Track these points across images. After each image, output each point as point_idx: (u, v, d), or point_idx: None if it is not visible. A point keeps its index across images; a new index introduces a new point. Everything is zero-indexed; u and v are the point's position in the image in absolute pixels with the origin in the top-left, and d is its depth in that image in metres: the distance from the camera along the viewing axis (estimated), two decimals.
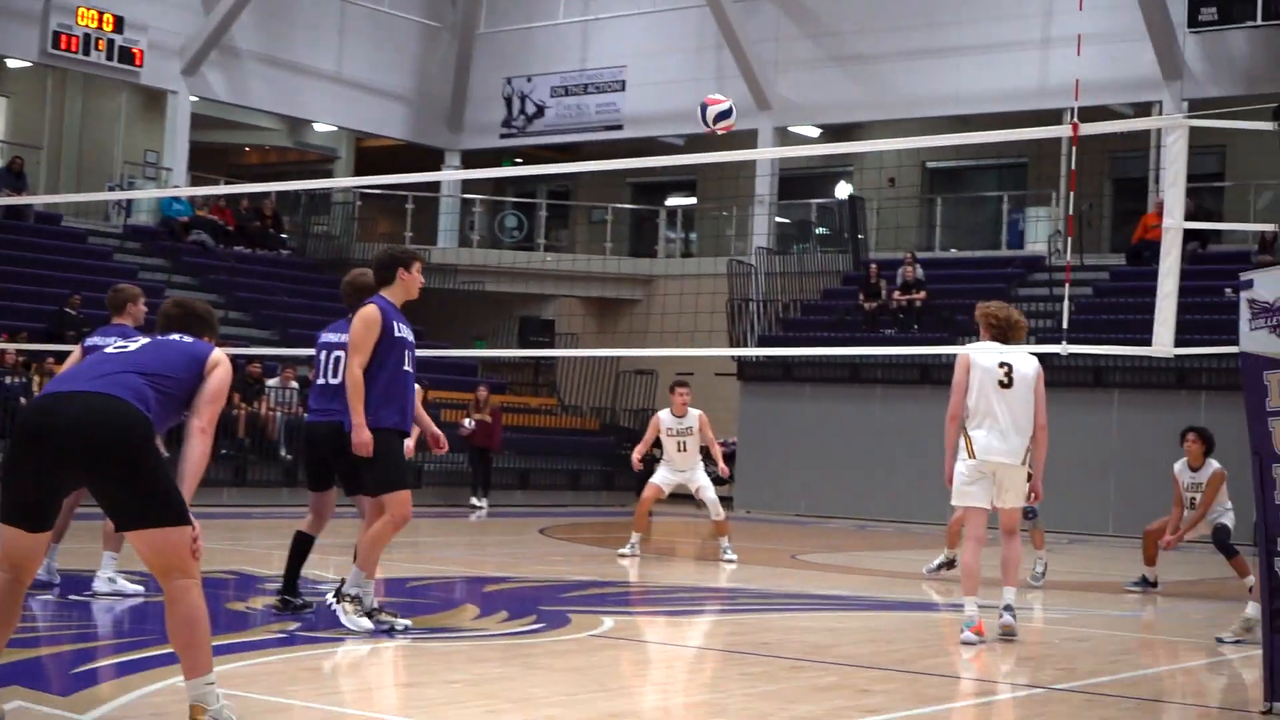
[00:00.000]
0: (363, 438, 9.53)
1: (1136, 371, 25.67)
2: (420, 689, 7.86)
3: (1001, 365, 10.82)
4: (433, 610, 11.39)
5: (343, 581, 9.85)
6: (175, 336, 6.59)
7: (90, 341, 11.21)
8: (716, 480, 28.22)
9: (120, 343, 6.55)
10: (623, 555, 16.70)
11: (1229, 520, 14.88)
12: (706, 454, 17.33)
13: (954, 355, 26.41)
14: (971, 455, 10.71)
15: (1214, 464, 14.88)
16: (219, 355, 6.47)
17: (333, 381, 10.27)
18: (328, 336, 10.45)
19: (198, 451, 6.30)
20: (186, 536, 6.12)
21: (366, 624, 9.59)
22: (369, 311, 9.62)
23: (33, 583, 10.71)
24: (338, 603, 9.72)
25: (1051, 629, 11.93)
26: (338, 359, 10.27)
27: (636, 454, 17.61)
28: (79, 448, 5.99)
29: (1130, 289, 27.08)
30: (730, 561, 16.68)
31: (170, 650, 8.36)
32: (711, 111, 10.74)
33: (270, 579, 12.82)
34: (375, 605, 9.80)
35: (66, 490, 6.24)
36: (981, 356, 10.93)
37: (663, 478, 17.05)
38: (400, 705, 7.34)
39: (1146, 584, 15.31)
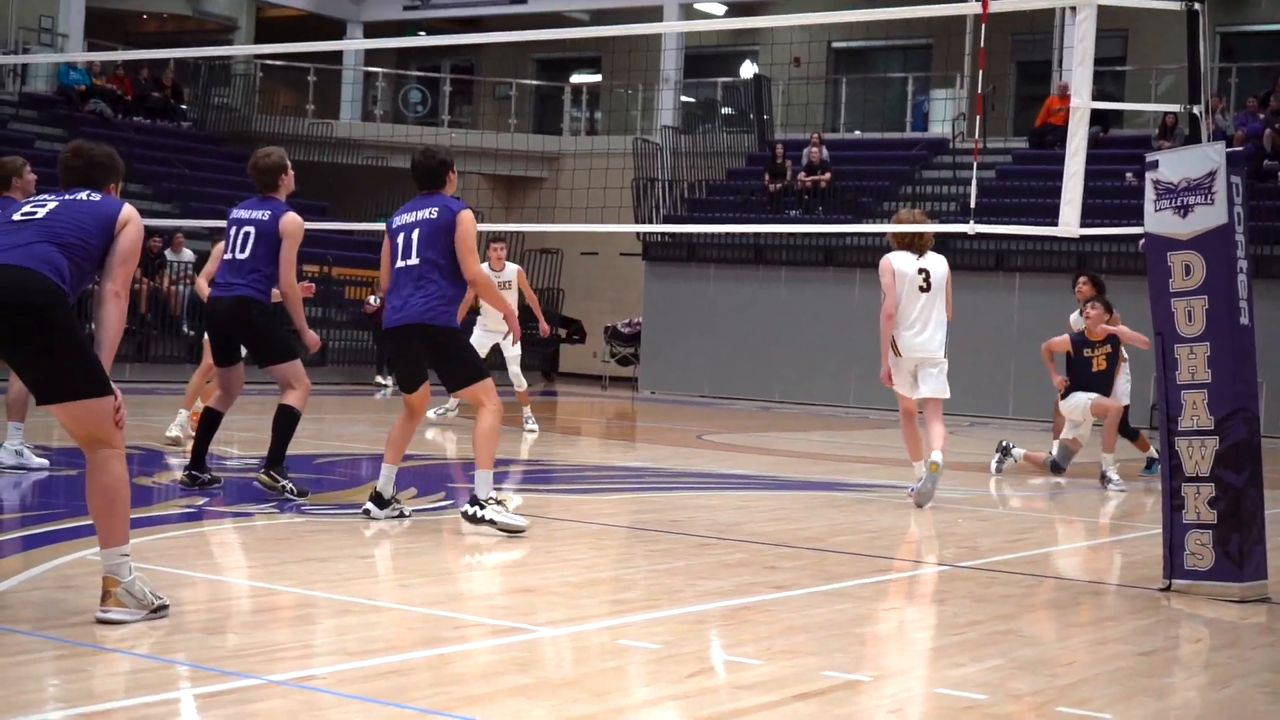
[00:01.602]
0: (515, 325, 10.16)
1: (1038, 255, 25.89)
2: (331, 563, 7.86)
3: (920, 271, 11.95)
4: (341, 487, 11.37)
5: (473, 497, 9.20)
6: (83, 195, 6.35)
7: None
8: (624, 362, 28.22)
9: (28, 208, 6.32)
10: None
11: (1126, 396, 15.04)
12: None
13: (858, 236, 26.56)
14: (897, 354, 11.87)
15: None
16: (128, 213, 6.31)
17: (240, 257, 10.21)
18: (239, 213, 10.40)
19: (114, 316, 6.19)
20: (108, 406, 6.08)
21: (521, 521, 9.16)
22: (470, 215, 9.29)
23: None
24: (481, 510, 9.12)
25: (954, 509, 12.08)
26: (247, 234, 10.21)
27: (460, 312, 17.58)
28: None
29: (1033, 172, 27.24)
30: (531, 431, 16.93)
31: (79, 524, 8.32)
32: None
33: (175, 454, 12.76)
34: (394, 494, 9.68)
35: None
36: (901, 262, 11.97)
37: (479, 338, 16.73)
38: (312, 579, 7.34)
39: (1057, 469, 15.32)
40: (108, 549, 6.09)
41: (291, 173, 10.54)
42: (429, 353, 9.38)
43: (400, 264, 9.33)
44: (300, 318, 10.44)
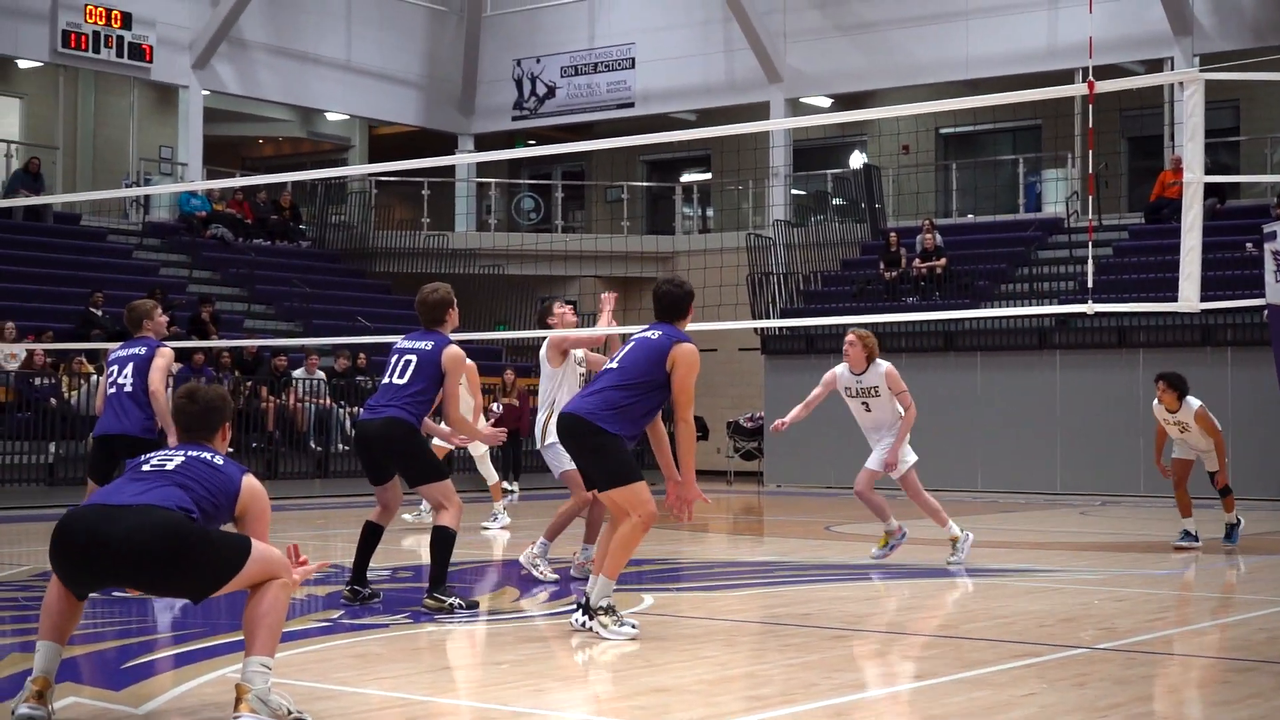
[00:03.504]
0: (690, 494, 9.25)
1: (1161, 330, 25.60)
2: (466, 671, 7.92)
3: None
4: (472, 595, 11.42)
5: (587, 599, 9.14)
6: (207, 456, 6.58)
7: (114, 356, 11.34)
8: (748, 456, 27.95)
9: (157, 460, 6.54)
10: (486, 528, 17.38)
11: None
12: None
13: (977, 320, 26.32)
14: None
15: (1194, 402, 14.91)
16: (248, 491, 6.53)
17: (397, 382, 10.30)
18: (403, 344, 10.53)
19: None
20: (259, 559, 6.31)
21: (630, 630, 9.02)
22: (695, 355, 9.16)
23: None
24: (590, 619, 9.05)
25: (1089, 589, 11.95)
26: (408, 362, 10.34)
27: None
28: (130, 564, 6.15)
29: (1151, 247, 27.00)
30: (490, 528, 17.53)
31: (216, 643, 8.45)
32: None
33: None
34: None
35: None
36: None
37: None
38: (447, 688, 7.40)
39: (1190, 537, 15.21)
40: (249, 657, 6.22)
41: (456, 309, 10.66)
42: (575, 449, 9.24)
43: (605, 365, 9.42)
44: (474, 433, 10.84)
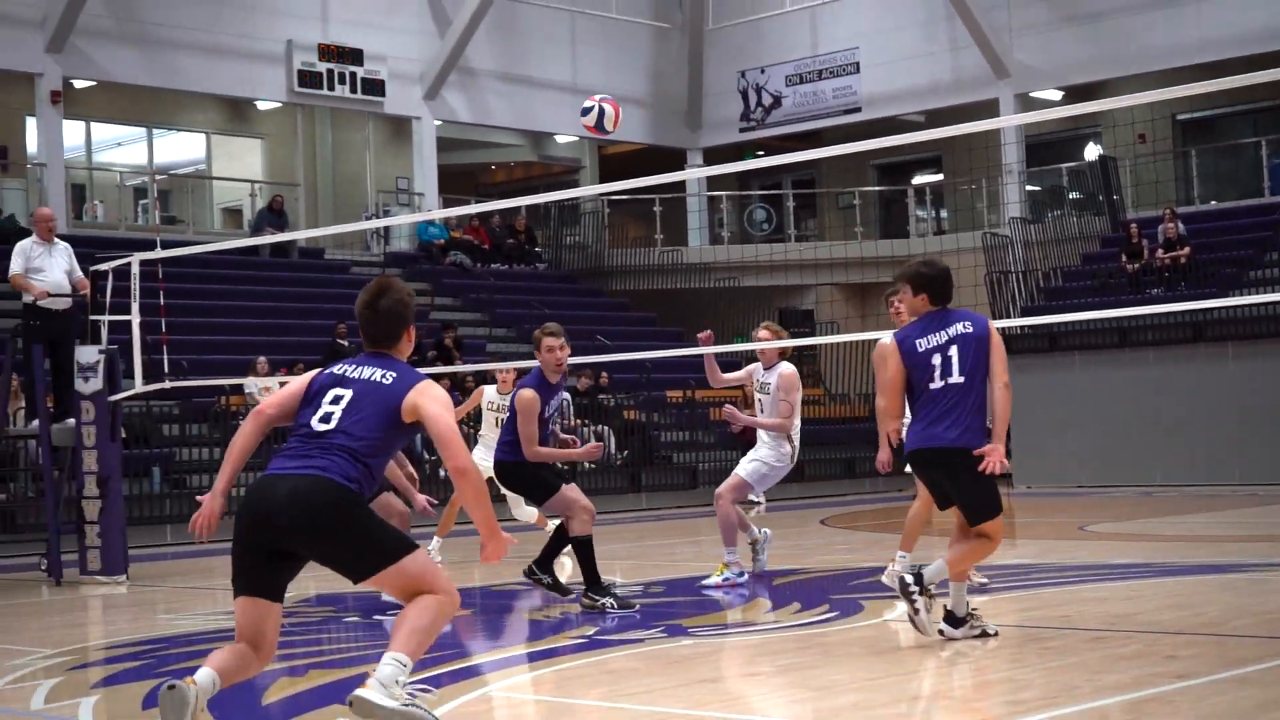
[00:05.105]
0: (996, 452, 8.61)
1: None
2: (722, 683, 7.91)
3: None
4: (725, 607, 11.44)
5: (919, 580, 8.99)
6: (379, 375, 6.44)
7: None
8: None
9: (328, 405, 6.41)
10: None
11: None
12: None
13: (1226, 309, 25.59)
14: None
15: None
16: (415, 396, 6.35)
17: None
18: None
19: (468, 498, 6.30)
20: (419, 560, 6.24)
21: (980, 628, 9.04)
22: (993, 325, 8.86)
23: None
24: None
25: None
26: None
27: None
28: (291, 532, 6.16)
29: None
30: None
31: (473, 663, 8.56)
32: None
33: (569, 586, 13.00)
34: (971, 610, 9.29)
35: (294, 565, 6.38)
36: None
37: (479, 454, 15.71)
38: (705, 699, 7.39)
39: None
40: (390, 653, 6.14)
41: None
42: (950, 479, 8.82)
43: (938, 384, 8.70)
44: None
